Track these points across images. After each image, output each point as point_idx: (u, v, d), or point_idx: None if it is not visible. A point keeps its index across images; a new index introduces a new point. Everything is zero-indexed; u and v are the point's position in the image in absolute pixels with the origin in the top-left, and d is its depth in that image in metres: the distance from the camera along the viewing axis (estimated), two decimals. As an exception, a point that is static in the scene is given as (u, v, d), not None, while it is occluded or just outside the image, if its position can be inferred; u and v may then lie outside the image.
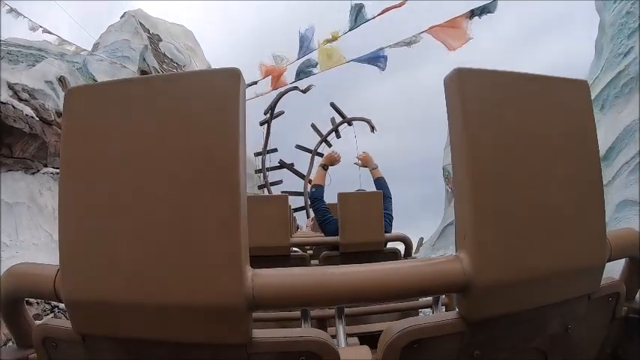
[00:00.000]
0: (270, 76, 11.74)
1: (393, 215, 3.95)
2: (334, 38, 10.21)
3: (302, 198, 16.64)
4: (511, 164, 0.99)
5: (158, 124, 0.92)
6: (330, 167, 4.27)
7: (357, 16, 9.69)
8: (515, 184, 0.99)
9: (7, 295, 1.14)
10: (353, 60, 10.30)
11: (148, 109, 0.93)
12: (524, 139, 1.01)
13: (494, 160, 0.98)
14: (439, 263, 1.00)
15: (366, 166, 4.30)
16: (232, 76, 0.91)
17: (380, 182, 4.11)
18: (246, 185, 0.92)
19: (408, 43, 9.38)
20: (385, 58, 9.97)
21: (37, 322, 1.20)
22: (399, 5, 9.21)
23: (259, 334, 0.93)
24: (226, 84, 0.91)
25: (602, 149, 8.24)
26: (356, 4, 9.66)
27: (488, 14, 8.68)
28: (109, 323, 0.95)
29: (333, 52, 10.46)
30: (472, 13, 8.73)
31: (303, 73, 11.31)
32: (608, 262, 1.13)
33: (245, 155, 0.92)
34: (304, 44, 10.85)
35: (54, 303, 9.12)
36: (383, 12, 9.51)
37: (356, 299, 1.02)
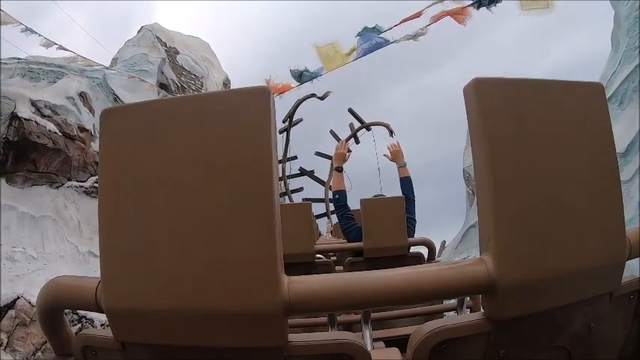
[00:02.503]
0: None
1: (416, 219, 3.89)
2: (351, 51, 10.02)
3: (323, 204, 16.57)
4: (530, 168, 1.02)
5: (192, 142, 0.97)
6: (345, 168, 4.13)
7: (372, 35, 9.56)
8: (535, 188, 1.02)
9: (48, 306, 1.20)
10: (359, 57, 10.02)
11: (182, 128, 0.98)
12: (543, 144, 1.04)
13: (514, 165, 1.01)
14: (465, 266, 1.03)
15: (394, 161, 4.16)
16: (262, 94, 0.96)
17: (406, 182, 4.00)
18: (279, 198, 0.97)
19: (414, 36, 9.22)
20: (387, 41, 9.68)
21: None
22: (417, 16, 9.09)
23: (294, 337, 0.97)
24: (257, 102, 0.96)
25: (623, 145, 8.06)
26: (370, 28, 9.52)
27: (496, 4, 8.52)
28: (149, 331, 1.00)
29: (334, 52, 10.20)
30: (480, 4, 8.60)
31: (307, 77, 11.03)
32: (628, 260, 1.15)
33: (277, 168, 0.96)
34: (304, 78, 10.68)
35: (81, 313, 9.26)
36: (400, 23, 9.38)
37: (389, 302, 1.05)
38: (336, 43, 10.17)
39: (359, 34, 9.66)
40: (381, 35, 9.55)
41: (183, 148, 0.97)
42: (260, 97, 0.96)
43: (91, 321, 9.35)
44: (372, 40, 9.59)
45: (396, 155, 4.16)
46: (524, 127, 1.03)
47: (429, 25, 8.97)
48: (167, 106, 1.06)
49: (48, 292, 1.18)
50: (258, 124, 0.94)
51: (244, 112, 0.96)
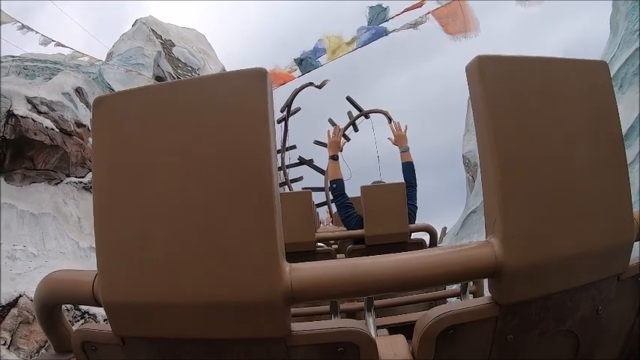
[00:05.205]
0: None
1: (417, 205, 3.79)
2: (351, 42, 9.97)
3: (323, 193, 16.56)
4: (536, 148, 1.00)
5: (187, 127, 0.94)
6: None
7: (378, 16, 9.47)
8: (541, 167, 1.00)
9: (45, 302, 1.17)
10: (358, 47, 9.95)
11: (176, 114, 0.95)
12: (548, 122, 1.01)
13: (519, 145, 0.98)
14: (471, 249, 1.00)
15: (397, 144, 3.98)
16: (259, 76, 0.93)
17: (408, 167, 3.84)
18: (278, 183, 0.94)
19: (414, 25, 9.15)
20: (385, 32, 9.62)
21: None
22: (419, 5, 9.00)
23: (297, 327, 0.95)
24: (253, 84, 0.92)
25: (623, 129, 8.04)
26: (375, 6, 9.43)
27: None
28: (148, 324, 0.97)
29: (336, 44, 10.14)
30: None
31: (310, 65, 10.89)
32: (636, 241, 1.13)
33: (276, 153, 0.93)
34: (308, 61, 10.59)
35: (84, 309, 9.28)
36: (402, 12, 9.30)
37: (395, 287, 1.03)
38: (342, 36, 10.14)
39: (368, 21, 9.58)
40: (382, 25, 9.50)
41: (179, 135, 0.94)
42: (256, 80, 0.93)
43: (94, 316, 9.37)
44: (372, 29, 9.54)
45: (399, 139, 4.00)
46: (528, 106, 1.00)
47: (428, 13, 8.90)
48: (161, 91, 1.03)
49: (44, 288, 1.15)
50: (256, 106, 0.91)
51: (239, 96, 0.93)
